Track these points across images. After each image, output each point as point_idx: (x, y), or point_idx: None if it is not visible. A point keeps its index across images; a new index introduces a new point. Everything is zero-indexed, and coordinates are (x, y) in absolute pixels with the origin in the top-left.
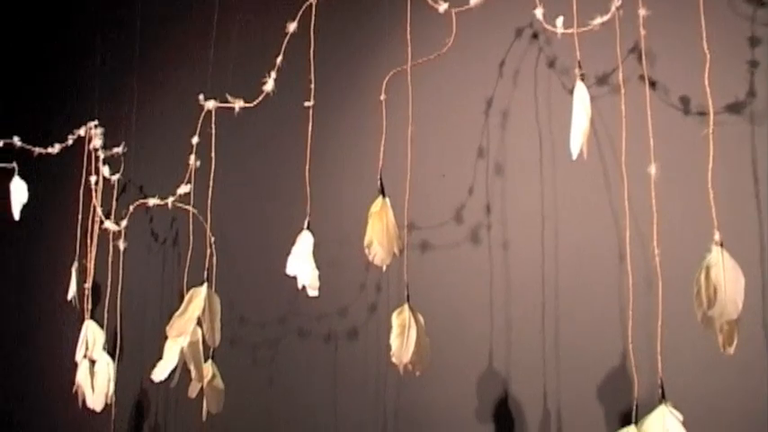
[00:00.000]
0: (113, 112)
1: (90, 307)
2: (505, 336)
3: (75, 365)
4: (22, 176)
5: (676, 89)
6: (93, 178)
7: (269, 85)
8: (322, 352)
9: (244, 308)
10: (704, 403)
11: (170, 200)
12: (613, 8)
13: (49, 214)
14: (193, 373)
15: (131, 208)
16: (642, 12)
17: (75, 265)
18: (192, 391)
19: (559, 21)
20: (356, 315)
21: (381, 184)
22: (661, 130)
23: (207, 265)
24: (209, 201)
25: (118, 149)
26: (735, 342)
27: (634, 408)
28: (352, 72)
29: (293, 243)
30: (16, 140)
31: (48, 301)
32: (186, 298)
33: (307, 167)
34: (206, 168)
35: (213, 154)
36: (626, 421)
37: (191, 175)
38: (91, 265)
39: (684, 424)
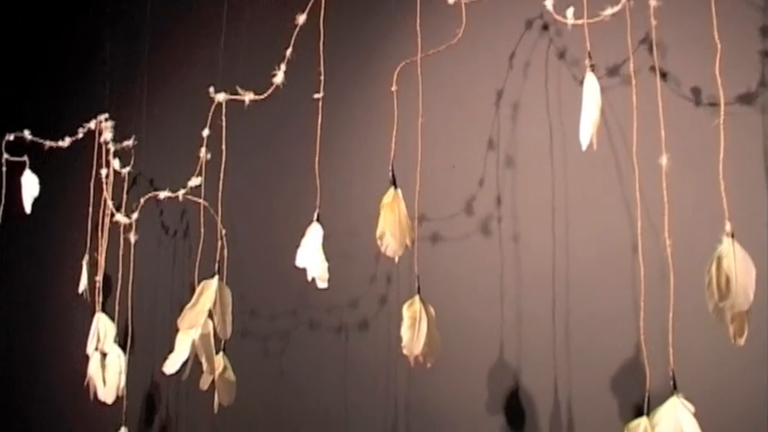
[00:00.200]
0: (124, 104)
1: (101, 300)
2: (516, 327)
3: (87, 358)
4: (33, 170)
5: (687, 80)
6: (103, 171)
7: (279, 78)
8: (333, 344)
9: (254, 300)
10: (716, 394)
11: (181, 192)
12: None
13: (59, 207)
14: (205, 366)
15: (142, 201)
16: (653, 2)
17: (86, 258)
18: (204, 384)
19: (570, 12)
20: (367, 307)
21: (393, 175)
22: (672, 121)
23: (218, 258)
24: (219, 193)
25: (128, 142)
26: (746, 333)
27: (646, 399)
28: (361, 64)
29: (303, 235)
30: (27, 134)
31: (59, 294)
32: (197, 290)
33: (316, 160)
34: (216, 161)
35: (224, 146)
36: (637, 413)
37: (201, 167)
38: (102, 258)
39: (696, 415)
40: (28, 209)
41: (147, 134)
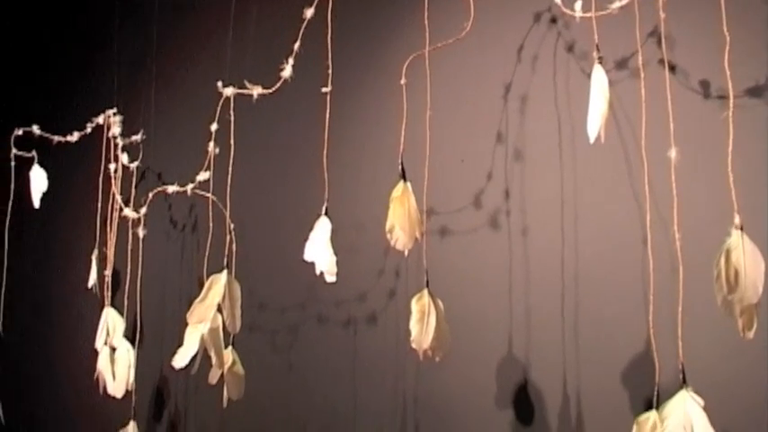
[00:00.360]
0: (132, 99)
1: (110, 294)
2: (525, 321)
3: (96, 352)
4: (42, 165)
5: (696, 73)
6: (112, 166)
7: (287, 72)
8: (341, 338)
9: (263, 294)
10: (725, 388)
11: (189, 187)
12: None
13: (68, 202)
14: (214, 360)
15: (150, 195)
16: None
17: (96, 252)
18: (213, 378)
19: (578, 5)
20: (375, 301)
21: (402, 168)
22: (681, 114)
23: (226, 252)
24: (228, 187)
25: (137, 137)
26: (755, 326)
27: (655, 393)
28: (369, 57)
29: (311, 229)
30: (35, 129)
31: (67, 288)
32: (206, 285)
33: (324, 153)
34: (225, 155)
35: (232, 141)
36: (647, 407)
37: (210, 161)
38: (111, 253)
39: (705, 409)
40: (36, 204)
41: (156, 129)
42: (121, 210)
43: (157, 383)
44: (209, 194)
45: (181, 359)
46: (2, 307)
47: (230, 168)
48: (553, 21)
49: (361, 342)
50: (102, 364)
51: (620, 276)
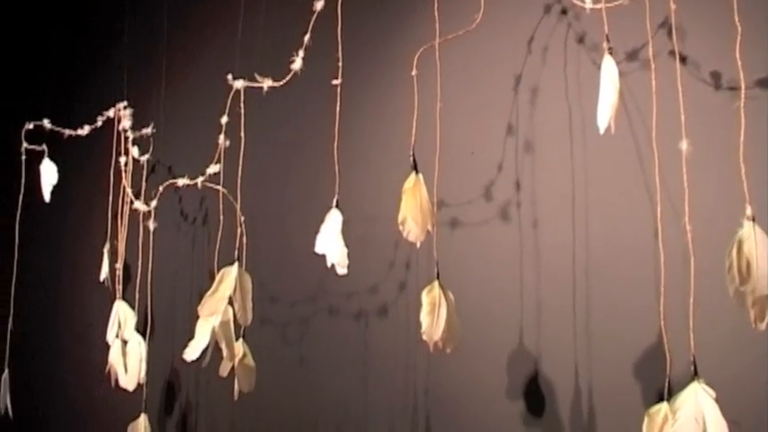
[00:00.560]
0: (142, 93)
1: (121, 287)
2: (536, 313)
3: (107, 345)
4: (52, 158)
5: (707, 64)
6: (122, 159)
7: (297, 64)
8: (352, 330)
9: (274, 287)
10: (737, 380)
11: (199, 180)
12: None
13: (78, 195)
14: (225, 353)
15: (161, 188)
16: None
17: (107, 245)
18: (224, 370)
19: None
20: (386, 293)
21: (414, 160)
22: (692, 105)
23: (237, 245)
24: (238, 180)
25: (147, 130)
26: (767, 317)
27: (666, 385)
28: (379, 49)
29: (322, 221)
30: (46, 123)
31: (78, 282)
32: (217, 277)
33: (335, 146)
34: (235, 148)
35: (242, 133)
36: (658, 398)
37: (220, 154)
38: (122, 246)
39: (717, 401)
40: (47, 197)
41: (166, 122)
42: (132, 203)
43: (168, 376)
44: (219, 187)
45: (192, 352)
46: (12, 300)
47: (241, 161)
48: (563, 12)
49: (372, 334)
50: (114, 357)
51: (631, 268)
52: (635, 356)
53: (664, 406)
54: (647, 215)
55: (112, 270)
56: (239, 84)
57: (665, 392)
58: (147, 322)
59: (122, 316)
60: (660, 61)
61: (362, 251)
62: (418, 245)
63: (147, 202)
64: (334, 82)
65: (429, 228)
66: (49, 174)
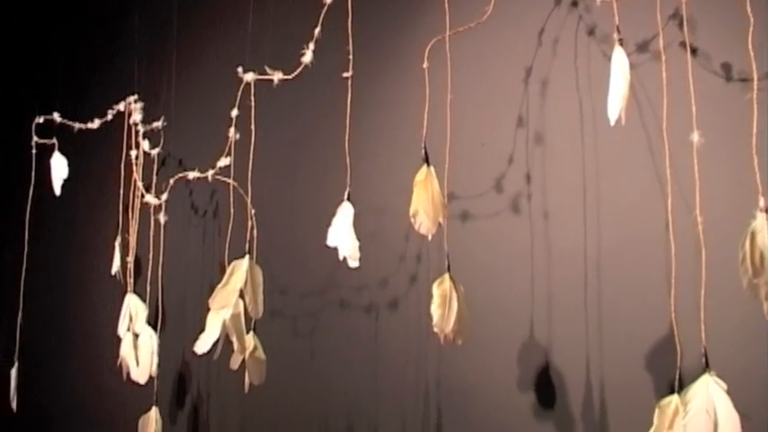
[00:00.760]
0: (152, 86)
1: (132, 280)
2: (547, 305)
3: (118, 339)
4: (63, 152)
5: (718, 56)
6: (133, 152)
7: (307, 57)
8: (363, 323)
9: (284, 279)
10: (748, 372)
11: (210, 173)
12: None
13: (89, 189)
14: (235, 345)
15: (171, 181)
16: None
17: (119, 239)
18: (234, 363)
19: None
20: (397, 286)
21: (426, 152)
22: (703, 97)
23: (248, 238)
24: (249, 173)
25: (157, 123)
26: None
27: (677, 377)
28: (390, 42)
29: (333, 214)
30: (56, 116)
31: (89, 275)
32: (228, 270)
33: (346, 138)
34: (245, 141)
35: (252, 126)
36: (669, 391)
37: (230, 147)
38: (133, 240)
39: (728, 393)
40: (57, 191)
41: (176, 115)
42: (143, 196)
43: (179, 369)
44: (230, 180)
45: (202, 345)
46: (22, 294)
47: (251, 154)
48: (574, 4)
49: (383, 327)
50: (126, 350)
51: (642, 260)
52: (646, 348)
53: (675, 398)
54: (658, 207)
55: (124, 263)
56: (249, 77)
57: (676, 385)
58: (158, 315)
59: (134, 309)
60: (671, 53)
61: (373, 244)
62: (430, 237)
63: (157, 196)
64: (345, 75)
65: (440, 220)
66: (59, 167)
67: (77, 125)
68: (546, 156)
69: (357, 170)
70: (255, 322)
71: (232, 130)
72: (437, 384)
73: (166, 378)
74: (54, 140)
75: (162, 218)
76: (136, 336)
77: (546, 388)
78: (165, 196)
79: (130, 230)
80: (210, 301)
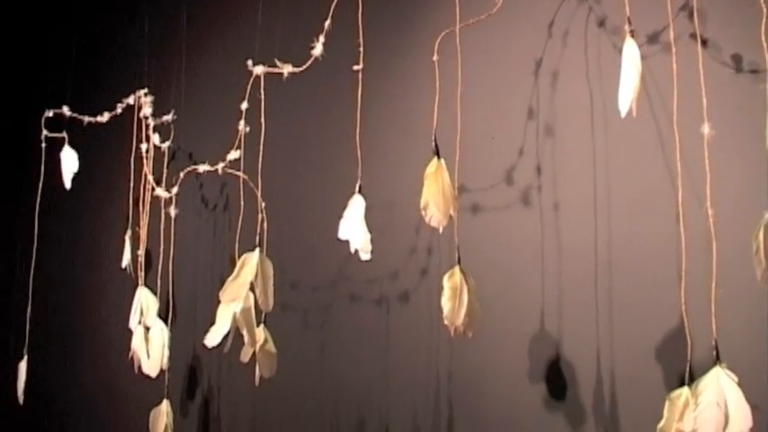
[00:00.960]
0: (162, 79)
1: (143, 274)
2: (557, 297)
3: (129, 332)
4: (73, 146)
5: (728, 47)
6: (143, 146)
7: (317, 50)
8: (373, 316)
9: (295, 273)
10: (759, 364)
11: (220, 166)
12: None
13: (99, 183)
14: (246, 338)
15: (182, 175)
16: None
17: (129, 232)
18: (245, 356)
19: None
20: (407, 279)
21: (436, 145)
22: (713, 89)
23: (258, 231)
24: (259, 166)
25: (168, 117)
26: None
27: (687, 369)
28: (400, 34)
29: (343, 207)
30: (66, 110)
31: (100, 269)
32: (239, 263)
33: (357, 131)
34: (255, 134)
35: (262, 119)
36: (680, 383)
37: (240, 140)
38: (144, 233)
39: (739, 385)
40: (68, 185)
41: (186, 108)
42: (153, 190)
43: (190, 362)
44: (240, 173)
45: (213, 338)
46: (32, 288)
47: (261, 147)
48: None
49: (394, 320)
50: (137, 343)
51: (652, 253)
52: (656, 341)
53: (685, 390)
54: (668, 199)
55: (134, 257)
56: (259, 69)
57: (687, 377)
58: (168, 308)
59: (145, 302)
60: (681, 44)
61: (383, 237)
62: (440, 230)
63: (168, 189)
64: (356, 67)
65: (451, 213)
66: (69, 161)
67: (87, 119)
68: (556, 148)
69: (367, 163)
70: (266, 315)
71: (242, 123)
72: (448, 376)
73: (177, 371)
74: (64, 134)
75: (172, 211)
76: (147, 329)
77: (556, 381)
78: (175, 190)
79: (141, 224)
80: (221, 293)
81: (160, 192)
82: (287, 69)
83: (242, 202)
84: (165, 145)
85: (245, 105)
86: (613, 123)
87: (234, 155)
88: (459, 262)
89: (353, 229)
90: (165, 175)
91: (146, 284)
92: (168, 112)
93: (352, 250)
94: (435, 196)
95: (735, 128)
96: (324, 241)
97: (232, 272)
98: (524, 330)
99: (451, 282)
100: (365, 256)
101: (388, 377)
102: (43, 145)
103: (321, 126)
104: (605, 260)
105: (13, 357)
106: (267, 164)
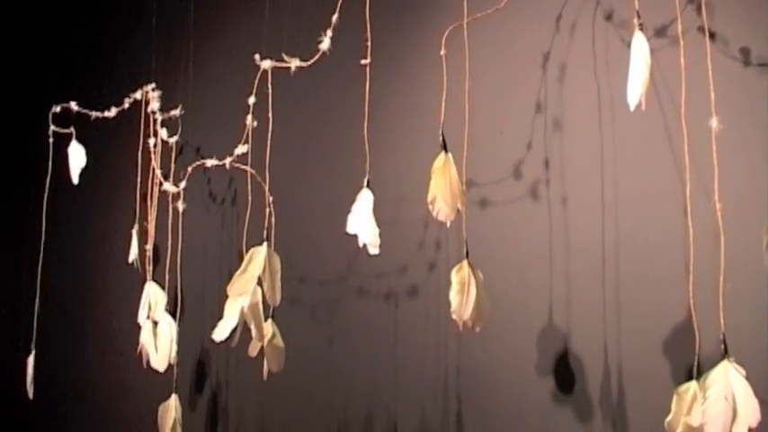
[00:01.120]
0: (169, 74)
1: (151, 268)
2: (565, 291)
3: (137, 327)
4: (80, 141)
5: (736, 40)
6: (151, 141)
7: (325, 44)
8: (381, 310)
9: (303, 267)
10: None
11: (228, 160)
12: None
13: (107, 178)
14: (254, 333)
15: (189, 169)
16: None
17: (136, 227)
18: (253, 351)
19: None
20: (415, 273)
21: (443, 139)
22: (721, 82)
23: (266, 225)
24: (266, 160)
25: (175, 112)
26: None
27: (695, 363)
28: (408, 29)
29: (351, 201)
30: (73, 105)
31: (107, 264)
32: (246, 257)
33: (365, 125)
34: (263, 128)
35: (270, 114)
36: (688, 377)
37: (248, 135)
38: (152, 227)
39: (747, 379)
40: (75, 180)
41: (193, 103)
42: (161, 184)
43: (198, 356)
44: (247, 168)
45: (221, 332)
46: (39, 283)
47: (269, 141)
48: None
49: (402, 314)
50: (145, 337)
51: (660, 246)
52: (664, 335)
53: (693, 384)
54: (676, 193)
55: (142, 251)
56: (267, 64)
57: (695, 371)
58: (176, 303)
59: (153, 297)
60: (689, 38)
61: (392, 231)
62: (448, 224)
63: (176, 184)
64: (363, 62)
65: (459, 207)
66: (77, 156)
67: (94, 114)
68: (564, 142)
69: (375, 157)
70: (274, 310)
71: (249, 117)
72: (456, 370)
73: (186, 366)
74: (71, 129)
75: (180, 206)
76: (155, 323)
77: (565, 375)
78: (183, 184)
79: (149, 218)
80: (228, 288)
81: (168, 186)
82: (294, 64)
83: (249, 197)
84: (173, 140)
85: (252, 100)
86: (621, 117)
87: (241, 149)
88: (467, 256)
89: (362, 223)
90: (172, 170)
91: (154, 279)
92: (176, 107)
93: (361, 244)
94: (443, 190)
95: (743, 122)
96: (332, 235)
97: (240, 266)
98: (532, 324)
99: (459, 276)
100: (373, 250)
101: (397, 371)
102: (51, 140)
103: (328, 120)
104: (613, 254)
105: (21, 352)
106: (275, 158)
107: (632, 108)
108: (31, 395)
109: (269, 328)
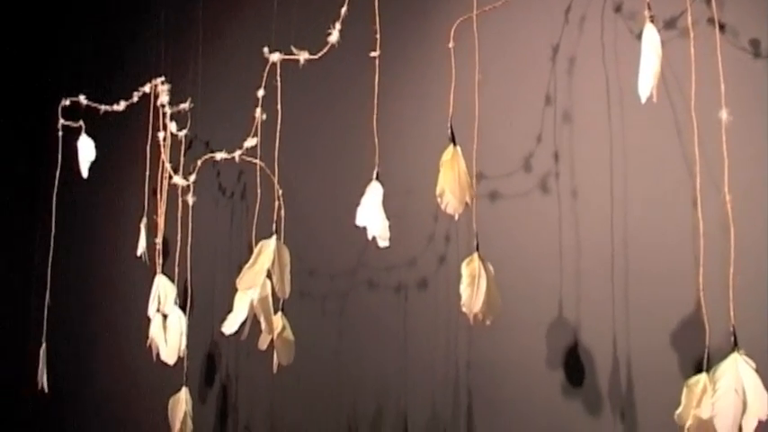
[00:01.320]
0: (178, 67)
1: (161, 262)
2: (575, 284)
3: (147, 320)
4: (90, 134)
5: (746, 32)
6: (160, 134)
7: (334, 37)
8: (392, 303)
9: (312, 260)
10: None
11: (237, 153)
12: None
13: (116, 171)
14: (263, 326)
15: (199, 163)
16: None
17: (144, 220)
18: (263, 344)
19: None
20: (425, 266)
21: (452, 132)
22: (731, 74)
23: (275, 218)
24: (275, 153)
25: (184, 105)
26: None
27: (705, 356)
28: (417, 21)
29: (361, 194)
30: (82, 99)
31: (117, 257)
32: (256, 250)
33: (374, 118)
34: (272, 121)
35: (279, 107)
36: (698, 369)
37: (257, 128)
38: (161, 221)
39: (758, 372)
40: (85, 173)
41: (203, 96)
42: (170, 178)
43: (208, 349)
44: (257, 161)
45: (230, 325)
46: (50, 276)
47: (278, 134)
48: None
49: (412, 307)
50: (155, 331)
51: (670, 239)
52: (674, 327)
53: (702, 377)
54: (686, 185)
55: (152, 245)
56: (276, 57)
57: (705, 363)
58: (186, 296)
59: (163, 290)
60: (699, 29)
61: (402, 224)
62: (456, 217)
63: (185, 177)
64: (372, 54)
65: (467, 200)
66: (86, 150)
67: (104, 107)
68: (574, 134)
69: (384, 150)
70: (284, 303)
71: (258, 110)
72: (466, 364)
73: (196, 358)
74: (81, 123)
75: (190, 199)
76: (165, 317)
77: (575, 367)
78: (192, 177)
79: (158, 212)
80: (238, 281)
81: (177, 180)
82: (303, 56)
83: (259, 190)
84: (182, 133)
85: (261, 93)
86: (630, 109)
87: (251, 142)
88: (477, 249)
89: (371, 215)
90: (182, 164)
91: (163, 272)
92: (185, 100)
93: (370, 237)
94: (451, 183)
95: (753, 113)
96: (341, 228)
97: (249, 259)
98: (542, 317)
99: (470, 269)
100: (383, 243)
101: (406, 364)
102: (60, 134)
103: (337, 113)
104: (623, 246)
105: (32, 346)
106: (284, 151)
107: (644, 100)
108: (43, 386)
109: (278, 321)
